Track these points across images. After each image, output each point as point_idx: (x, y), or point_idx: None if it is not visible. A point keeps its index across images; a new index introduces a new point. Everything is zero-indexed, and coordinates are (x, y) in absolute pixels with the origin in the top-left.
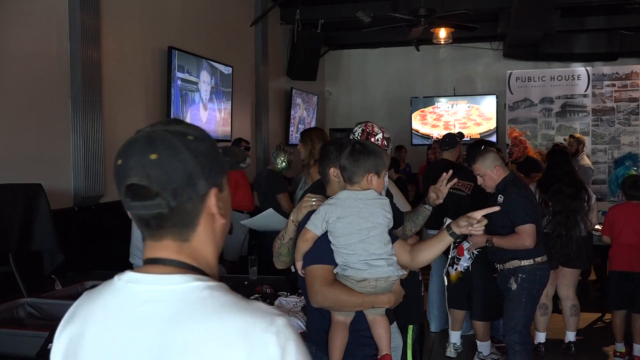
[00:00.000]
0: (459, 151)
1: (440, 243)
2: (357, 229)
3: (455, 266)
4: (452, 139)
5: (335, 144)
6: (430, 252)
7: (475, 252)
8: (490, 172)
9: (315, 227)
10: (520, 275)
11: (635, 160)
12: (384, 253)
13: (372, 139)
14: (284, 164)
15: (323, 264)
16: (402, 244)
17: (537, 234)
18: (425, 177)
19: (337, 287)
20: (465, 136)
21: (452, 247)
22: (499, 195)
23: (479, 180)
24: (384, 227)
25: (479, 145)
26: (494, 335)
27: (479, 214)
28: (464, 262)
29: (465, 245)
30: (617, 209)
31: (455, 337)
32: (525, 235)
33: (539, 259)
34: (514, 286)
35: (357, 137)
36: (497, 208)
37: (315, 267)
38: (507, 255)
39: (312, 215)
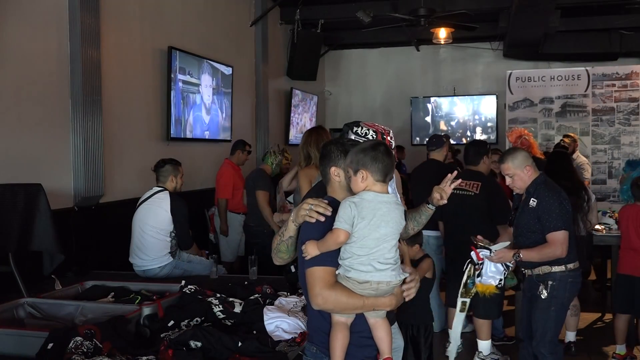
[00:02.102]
0: (446, 151)
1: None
2: (377, 231)
3: (479, 276)
4: (439, 139)
5: (337, 144)
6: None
7: (509, 263)
8: (520, 172)
9: (347, 225)
10: (550, 282)
11: None
12: (391, 258)
13: (388, 137)
14: (273, 167)
15: (324, 266)
16: None
17: (569, 239)
18: (414, 177)
19: (338, 290)
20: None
21: (467, 267)
22: (532, 199)
23: (508, 181)
24: (398, 233)
25: (479, 145)
26: (494, 334)
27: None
28: (497, 275)
29: (483, 253)
30: (626, 209)
31: None
32: (557, 244)
33: (571, 266)
34: (544, 294)
35: (371, 139)
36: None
37: (317, 269)
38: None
39: (339, 214)
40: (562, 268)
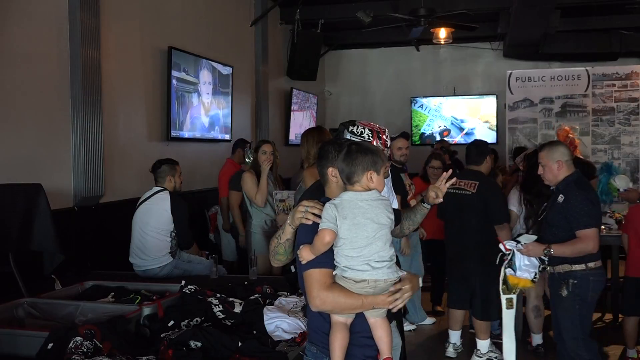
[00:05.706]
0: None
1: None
2: (364, 229)
3: (508, 267)
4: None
5: (334, 144)
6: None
7: (544, 258)
8: (551, 164)
9: (331, 224)
10: (571, 280)
11: (609, 171)
12: (386, 255)
13: (383, 136)
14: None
15: (321, 268)
16: None
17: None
18: None
19: (335, 291)
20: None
21: (502, 265)
22: (560, 195)
23: (540, 170)
24: (387, 229)
25: (482, 145)
26: (492, 332)
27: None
28: (532, 268)
29: (510, 244)
30: (637, 209)
31: (454, 337)
32: (589, 240)
33: (591, 264)
34: (564, 292)
35: (366, 138)
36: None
37: (313, 271)
38: (557, 258)
39: (322, 216)
40: (582, 267)
